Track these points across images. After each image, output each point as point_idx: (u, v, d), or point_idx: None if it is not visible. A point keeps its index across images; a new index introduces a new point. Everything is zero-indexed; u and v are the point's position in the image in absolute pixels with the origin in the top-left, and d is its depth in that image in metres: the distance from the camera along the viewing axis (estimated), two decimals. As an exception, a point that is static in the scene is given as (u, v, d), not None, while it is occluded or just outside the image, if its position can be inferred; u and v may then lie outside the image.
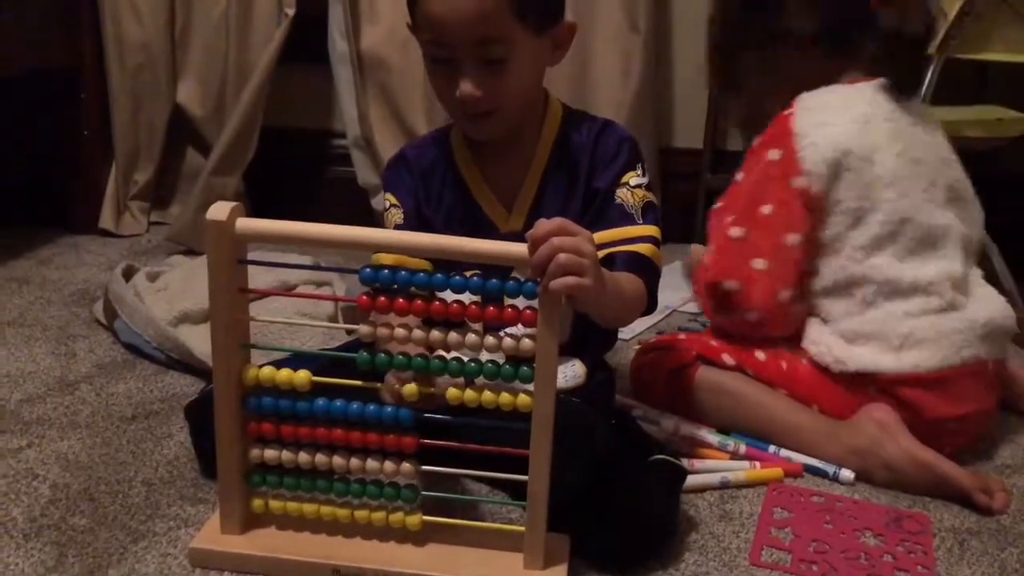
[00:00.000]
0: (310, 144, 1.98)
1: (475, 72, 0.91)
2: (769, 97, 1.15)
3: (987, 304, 1.11)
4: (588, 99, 1.81)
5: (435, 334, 0.79)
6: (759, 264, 1.09)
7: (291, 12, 1.77)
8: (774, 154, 1.09)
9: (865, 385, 1.07)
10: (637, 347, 1.26)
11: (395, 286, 0.80)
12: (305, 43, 1.83)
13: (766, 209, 1.09)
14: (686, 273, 1.51)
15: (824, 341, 1.09)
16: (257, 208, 1.86)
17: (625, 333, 1.43)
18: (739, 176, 1.15)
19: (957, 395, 1.06)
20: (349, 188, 1.88)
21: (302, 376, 0.81)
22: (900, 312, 1.06)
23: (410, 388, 0.80)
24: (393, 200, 1.03)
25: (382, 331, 0.79)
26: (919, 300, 1.07)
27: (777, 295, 1.09)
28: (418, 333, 0.79)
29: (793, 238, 1.08)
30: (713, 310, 1.15)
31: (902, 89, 1.11)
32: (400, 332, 0.78)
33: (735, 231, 1.11)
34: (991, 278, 1.51)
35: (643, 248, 0.96)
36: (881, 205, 1.06)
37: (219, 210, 0.78)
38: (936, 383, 1.05)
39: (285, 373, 0.82)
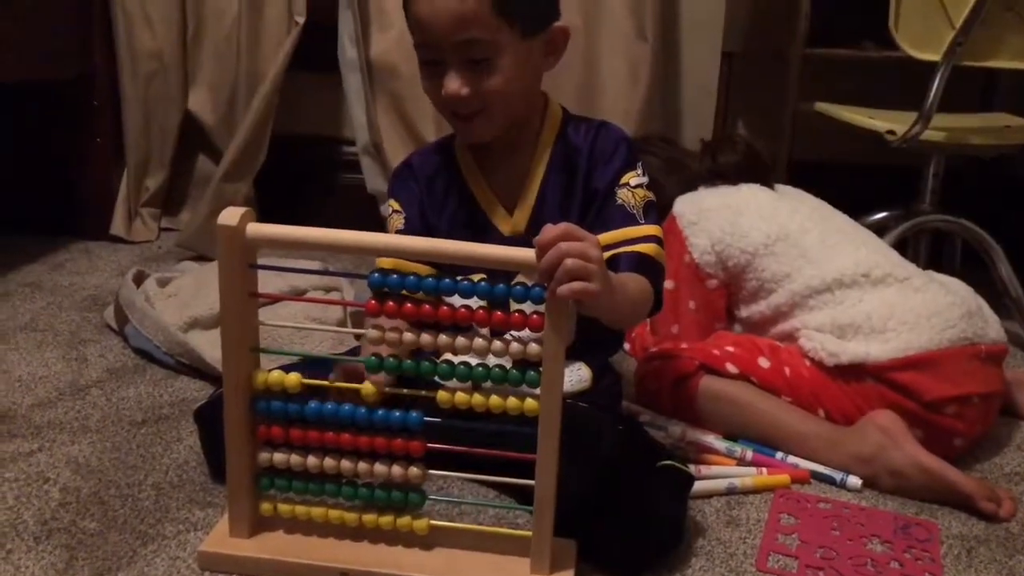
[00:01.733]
0: (320, 151, 1.99)
1: (460, 71, 0.92)
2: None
3: (958, 288, 1.18)
4: (596, 107, 1.82)
5: (442, 338, 0.80)
6: (674, 329, 1.28)
7: (301, 20, 1.79)
8: (671, 243, 1.22)
9: (862, 378, 1.09)
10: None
11: (403, 291, 0.81)
12: (315, 51, 1.85)
13: (668, 285, 1.24)
14: None
15: (816, 337, 1.13)
16: (267, 214, 1.84)
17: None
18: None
19: (952, 375, 1.08)
20: (358, 195, 1.89)
21: (294, 378, 0.82)
22: (873, 304, 1.12)
23: (368, 388, 0.81)
24: (396, 206, 1.05)
25: (372, 334, 0.79)
26: (876, 289, 1.13)
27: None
28: (409, 336, 0.79)
29: (691, 304, 1.26)
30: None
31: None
32: (392, 336, 0.79)
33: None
34: (999, 286, 1.52)
35: (647, 248, 0.97)
36: (780, 232, 1.20)
37: (230, 215, 0.79)
38: (928, 364, 1.08)
39: (294, 377, 0.82)
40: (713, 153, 1.37)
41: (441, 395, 0.81)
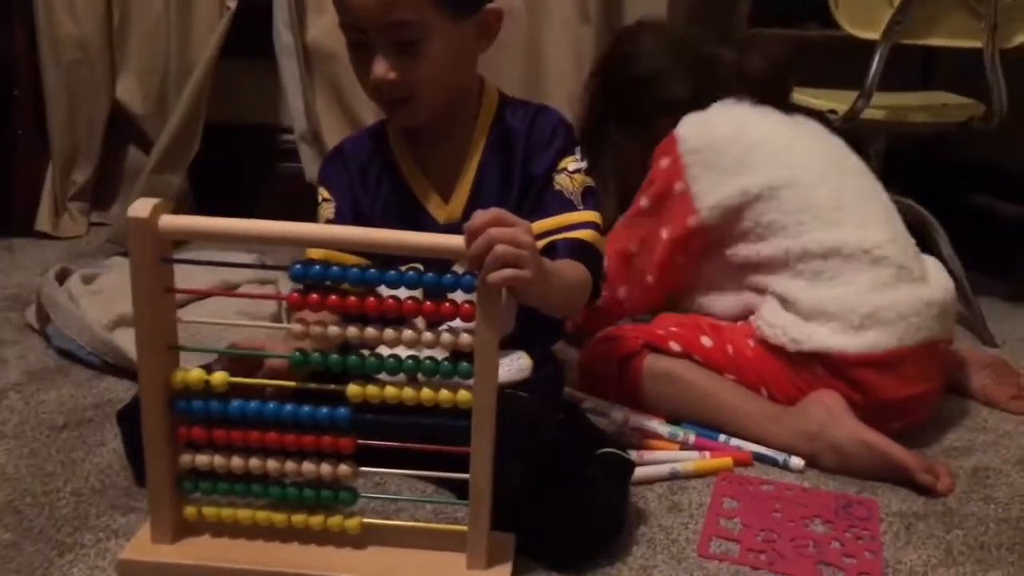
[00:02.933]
0: (256, 139, 1.94)
1: (388, 55, 0.90)
2: (641, 162, 1.22)
3: (940, 283, 1.13)
4: (540, 92, 1.78)
5: (370, 331, 0.77)
6: (632, 247, 1.19)
7: (233, 5, 1.73)
8: (663, 162, 1.17)
9: (813, 365, 1.07)
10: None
11: (328, 282, 0.77)
12: (249, 36, 1.78)
13: (644, 202, 1.19)
14: None
15: (779, 323, 1.09)
16: (203, 206, 1.82)
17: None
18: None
19: (909, 375, 1.07)
20: (297, 184, 1.84)
21: (220, 377, 0.78)
22: (854, 291, 1.06)
23: (219, 376, 0.78)
24: (326, 195, 1.01)
25: (296, 328, 0.76)
26: (869, 270, 1.07)
27: (644, 279, 1.19)
28: (334, 329, 0.76)
29: (664, 232, 1.16)
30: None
31: (770, 104, 1.19)
32: (316, 330, 0.76)
33: (628, 221, 1.21)
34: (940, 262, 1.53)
35: (584, 234, 0.95)
36: (789, 179, 1.11)
37: (141, 207, 0.75)
38: (889, 364, 1.06)
39: (220, 376, 0.78)
40: (742, 53, 1.23)
41: (352, 389, 0.77)
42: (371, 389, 0.77)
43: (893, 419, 1.08)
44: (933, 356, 1.10)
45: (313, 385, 0.78)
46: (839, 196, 1.11)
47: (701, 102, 1.19)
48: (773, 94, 1.20)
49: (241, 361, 0.84)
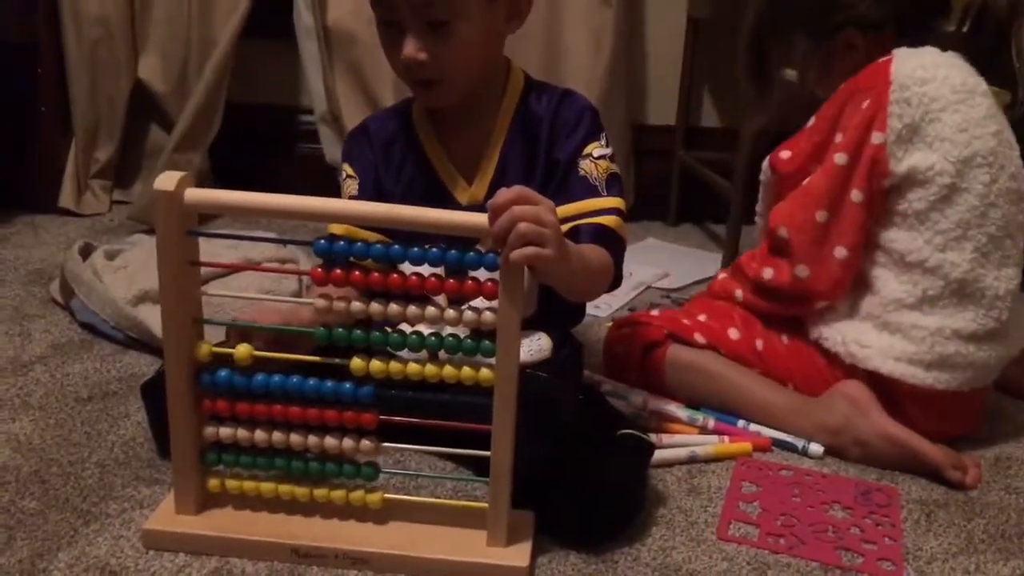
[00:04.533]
0: (277, 120, 1.94)
1: (419, 34, 0.89)
2: (819, 85, 1.10)
3: (1017, 340, 1.07)
4: (559, 74, 1.78)
5: (393, 307, 0.77)
6: (820, 216, 1.02)
7: (255, -16, 1.73)
8: (864, 103, 1.01)
9: (857, 372, 1.04)
10: (609, 324, 1.24)
11: (351, 258, 0.78)
12: (270, 17, 1.79)
13: (840, 159, 1.01)
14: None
15: (841, 329, 1.04)
16: (223, 185, 1.82)
17: (601, 309, 1.42)
18: (812, 122, 1.07)
19: (952, 415, 1.05)
20: (317, 165, 1.85)
21: (245, 350, 0.78)
22: (950, 329, 1.00)
23: (243, 349, 0.78)
24: (350, 171, 1.01)
25: (319, 303, 0.76)
26: (976, 316, 1.01)
27: (832, 251, 1.02)
28: (357, 305, 0.76)
29: (857, 195, 1.01)
30: (767, 279, 1.07)
31: (986, 69, 1.04)
32: (339, 305, 0.76)
33: (804, 179, 1.05)
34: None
35: (608, 220, 0.94)
36: (974, 186, 0.99)
37: (167, 180, 0.75)
38: (938, 404, 1.03)
39: (245, 349, 0.79)
40: None
41: (355, 363, 0.77)
42: (393, 366, 0.78)
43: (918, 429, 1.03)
44: (980, 400, 1.08)
45: (318, 359, 0.78)
46: (1003, 226, 1.01)
47: (906, 28, 1.04)
48: (992, 51, 1.06)
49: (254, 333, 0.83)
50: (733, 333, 1.12)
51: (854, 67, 1.06)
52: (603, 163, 0.97)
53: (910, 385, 1.02)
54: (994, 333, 1.03)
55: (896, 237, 1.02)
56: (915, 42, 1.04)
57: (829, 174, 1.03)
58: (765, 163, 1.13)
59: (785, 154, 1.10)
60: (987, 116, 1.02)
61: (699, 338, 1.11)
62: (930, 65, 1.00)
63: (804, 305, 1.07)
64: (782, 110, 1.17)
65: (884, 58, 1.03)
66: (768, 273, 1.08)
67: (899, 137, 0.99)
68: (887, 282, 1.04)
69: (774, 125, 1.12)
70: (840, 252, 1.03)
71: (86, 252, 1.38)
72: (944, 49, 1.04)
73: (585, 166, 0.96)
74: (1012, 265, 1.03)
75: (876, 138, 1.00)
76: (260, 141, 1.91)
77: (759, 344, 1.11)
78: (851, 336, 1.04)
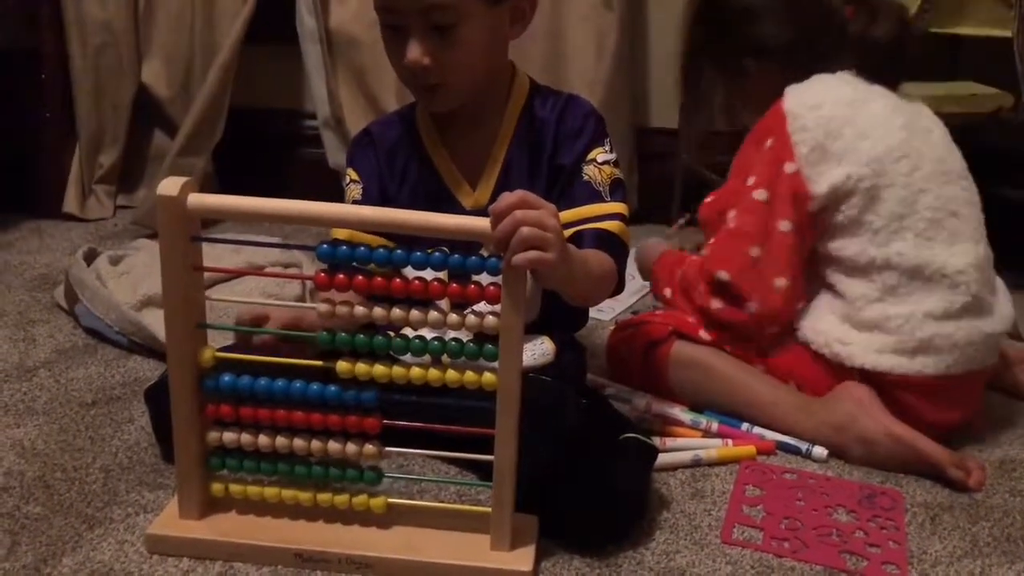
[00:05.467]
0: (280, 125, 1.95)
1: (423, 39, 0.89)
2: (742, 109, 1.17)
3: (1003, 314, 1.07)
4: (561, 78, 1.79)
5: (396, 312, 0.77)
6: (753, 252, 1.06)
7: (257, -11, 1.73)
8: (769, 142, 1.07)
9: (852, 374, 1.05)
10: (612, 327, 1.24)
11: (353, 263, 0.78)
12: (273, 21, 1.79)
13: (759, 195, 1.07)
14: (637, 268, 1.33)
15: (824, 329, 1.06)
16: (226, 190, 1.82)
17: (604, 312, 1.42)
18: (732, 173, 1.13)
19: (950, 401, 1.05)
20: (320, 169, 1.85)
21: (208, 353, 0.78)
22: (921, 312, 1.02)
23: (344, 365, 0.78)
24: (354, 176, 1.01)
25: (322, 307, 0.76)
26: (944, 294, 1.02)
27: (772, 283, 1.06)
28: (360, 309, 0.76)
29: (784, 224, 1.05)
30: (715, 309, 1.09)
31: (882, 80, 1.09)
32: (342, 310, 0.76)
33: (729, 218, 1.09)
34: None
35: (611, 225, 0.95)
36: (896, 179, 1.03)
37: (170, 185, 0.75)
38: (932, 390, 1.03)
39: (208, 352, 0.79)
40: (870, 18, 1.11)
41: (341, 366, 0.77)
42: (396, 370, 0.78)
43: (922, 429, 1.03)
44: (978, 383, 1.08)
45: (319, 363, 0.78)
46: (939, 207, 1.04)
47: (798, 55, 1.10)
48: (890, 69, 1.10)
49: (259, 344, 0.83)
50: None
51: (764, 95, 1.11)
52: (607, 168, 0.97)
53: (900, 376, 1.02)
54: (970, 308, 1.03)
55: (842, 246, 1.06)
56: (807, 71, 1.09)
57: (753, 211, 1.07)
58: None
59: (709, 199, 1.15)
60: (889, 114, 1.06)
61: (704, 335, 1.11)
62: (819, 90, 1.07)
63: (754, 336, 1.10)
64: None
65: (776, 101, 1.08)
66: (716, 304, 1.10)
67: (808, 161, 1.04)
68: (849, 286, 1.06)
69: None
70: (780, 282, 1.06)
71: (90, 257, 1.38)
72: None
73: (589, 171, 0.97)
74: (965, 240, 1.05)
75: (788, 168, 1.05)
76: (264, 145, 1.92)
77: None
78: (833, 336, 1.05)
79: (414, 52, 0.89)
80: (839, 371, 1.05)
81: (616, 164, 0.98)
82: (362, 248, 0.77)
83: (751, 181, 1.08)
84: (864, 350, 1.03)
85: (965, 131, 1.99)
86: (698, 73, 1.21)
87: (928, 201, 1.03)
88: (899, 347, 1.03)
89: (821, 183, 1.04)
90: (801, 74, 1.09)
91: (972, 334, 1.03)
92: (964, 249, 1.04)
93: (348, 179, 1.02)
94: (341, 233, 0.95)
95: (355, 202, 1.00)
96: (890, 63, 1.10)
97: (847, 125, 1.04)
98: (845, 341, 1.05)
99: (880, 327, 1.03)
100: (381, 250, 0.77)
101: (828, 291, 1.08)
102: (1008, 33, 1.41)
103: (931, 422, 1.03)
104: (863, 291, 1.05)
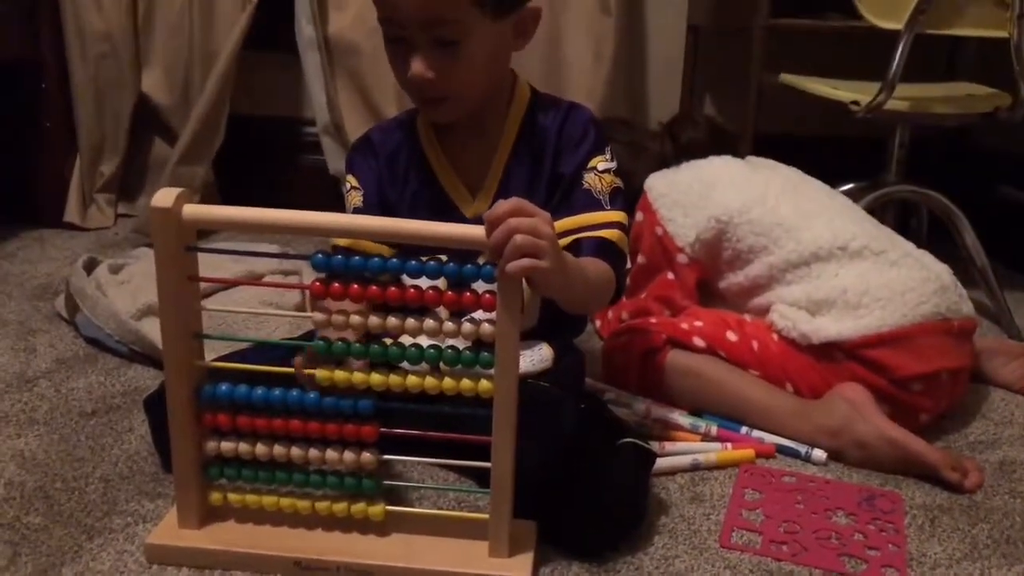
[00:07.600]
0: (280, 132, 1.96)
1: (427, 53, 0.89)
2: None
3: (930, 262, 1.15)
4: (560, 83, 1.79)
5: (392, 320, 0.77)
6: (663, 311, 1.24)
7: (255, -2, 1.74)
8: (639, 216, 1.26)
9: (832, 354, 1.08)
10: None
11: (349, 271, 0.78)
12: (272, 29, 1.80)
13: (640, 259, 1.27)
14: None
15: (790, 316, 1.12)
16: (227, 197, 1.84)
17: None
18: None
19: (923, 352, 1.07)
20: (320, 176, 1.86)
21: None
22: (850, 276, 1.10)
23: (324, 373, 0.78)
24: (354, 182, 1.01)
25: (318, 317, 0.77)
26: (854, 261, 1.12)
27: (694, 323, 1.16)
28: (356, 319, 0.77)
29: (670, 275, 1.25)
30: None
31: None
32: (338, 319, 0.76)
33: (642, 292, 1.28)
34: (964, 256, 1.52)
35: (609, 234, 0.95)
36: (756, 197, 1.18)
37: (164, 196, 0.76)
38: (899, 340, 1.07)
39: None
40: (673, 134, 1.37)
41: (320, 374, 0.77)
42: (393, 378, 0.78)
43: (918, 406, 1.07)
44: (946, 333, 1.10)
45: (316, 372, 0.78)
46: (803, 204, 1.18)
47: None
48: (719, 152, 1.30)
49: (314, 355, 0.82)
50: (731, 335, 1.13)
51: None
52: (607, 177, 0.97)
53: (875, 335, 1.06)
54: (887, 260, 1.11)
55: (747, 272, 1.19)
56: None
57: (638, 273, 1.28)
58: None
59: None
60: (728, 166, 1.26)
61: (698, 342, 1.12)
62: (668, 172, 1.29)
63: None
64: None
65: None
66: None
67: (672, 220, 1.22)
68: (777, 296, 1.15)
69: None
70: (697, 324, 1.17)
71: (90, 267, 1.39)
72: None
73: (589, 179, 0.97)
74: (840, 220, 1.17)
75: (659, 231, 1.24)
76: (263, 153, 1.93)
77: (755, 345, 1.12)
78: (800, 320, 1.11)
79: (418, 66, 0.89)
80: (822, 352, 1.09)
81: (617, 173, 0.98)
82: (357, 257, 0.77)
83: (640, 260, 1.28)
84: (828, 325, 1.09)
85: (962, 132, 2.00)
86: None
87: (790, 206, 1.17)
88: (847, 310, 1.08)
89: (687, 234, 1.21)
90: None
91: (905, 279, 1.10)
92: (844, 223, 1.15)
93: (348, 185, 1.02)
94: (342, 241, 0.95)
95: (356, 209, 1.00)
96: (717, 149, 1.31)
97: (695, 180, 1.23)
98: (806, 327, 1.10)
99: (823, 303, 1.10)
100: (376, 259, 0.77)
101: (775, 307, 1.15)
102: (1005, 34, 1.41)
103: (912, 376, 1.06)
104: (790, 291, 1.14)
